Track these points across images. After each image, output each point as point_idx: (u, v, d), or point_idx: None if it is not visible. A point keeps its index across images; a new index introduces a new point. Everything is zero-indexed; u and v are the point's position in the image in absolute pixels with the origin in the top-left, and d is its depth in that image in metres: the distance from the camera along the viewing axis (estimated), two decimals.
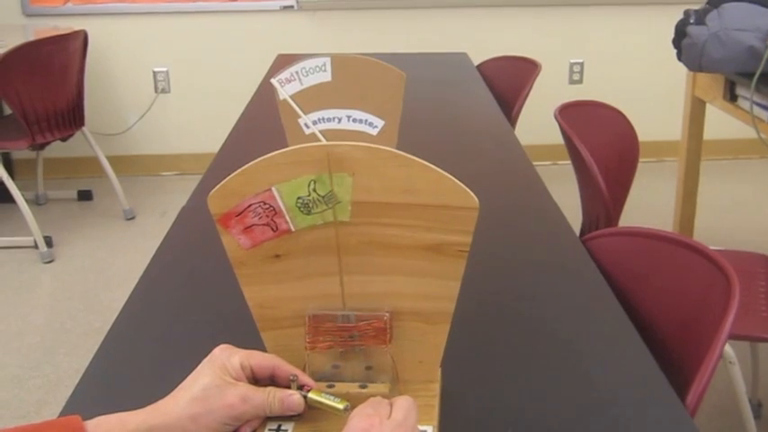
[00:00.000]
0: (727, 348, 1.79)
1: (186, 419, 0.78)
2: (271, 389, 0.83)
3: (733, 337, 1.08)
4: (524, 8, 4.36)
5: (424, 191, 0.81)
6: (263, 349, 0.91)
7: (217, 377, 0.81)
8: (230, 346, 0.85)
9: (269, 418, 0.85)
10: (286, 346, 0.91)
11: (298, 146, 0.81)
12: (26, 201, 3.52)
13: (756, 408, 2.33)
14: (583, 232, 2.06)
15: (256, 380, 0.85)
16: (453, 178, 0.81)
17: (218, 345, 0.86)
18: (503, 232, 1.47)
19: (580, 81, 4.54)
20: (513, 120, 2.68)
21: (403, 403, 0.78)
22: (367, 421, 0.75)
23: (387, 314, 0.87)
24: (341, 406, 0.82)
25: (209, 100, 4.43)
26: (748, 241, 3.48)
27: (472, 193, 0.81)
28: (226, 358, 0.83)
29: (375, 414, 0.76)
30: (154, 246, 1.43)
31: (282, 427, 0.84)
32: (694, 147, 2.96)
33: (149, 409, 0.79)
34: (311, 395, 0.84)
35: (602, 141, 2.03)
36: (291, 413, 0.83)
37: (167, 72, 4.41)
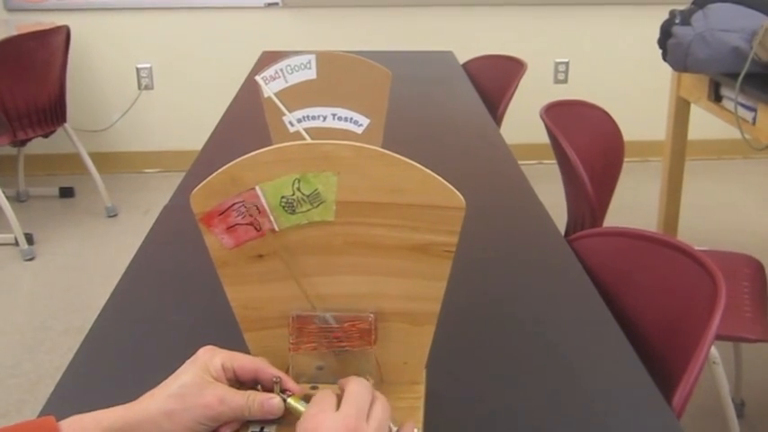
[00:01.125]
0: (711, 348, 1.79)
1: (161, 416, 0.77)
2: (251, 392, 0.82)
3: (717, 337, 1.08)
4: (510, 7, 4.36)
5: (410, 190, 0.80)
6: (247, 350, 0.90)
7: (197, 376, 0.80)
8: (214, 347, 0.84)
9: (250, 421, 0.84)
10: (270, 347, 0.90)
11: (282, 144, 0.80)
12: (7, 198, 3.48)
13: (739, 407, 2.34)
14: (568, 232, 2.06)
15: (240, 382, 0.84)
16: (440, 178, 0.80)
17: (199, 344, 0.85)
18: (488, 232, 1.47)
19: (565, 81, 4.54)
20: (498, 119, 2.68)
21: (351, 393, 0.76)
22: (312, 422, 0.74)
23: (371, 315, 0.86)
24: None
25: (193, 97, 4.40)
26: (731, 241, 3.50)
27: (459, 193, 0.80)
28: (208, 359, 0.82)
29: (320, 411, 0.75)
30: (136, 244, 1.42)
31: (265, 430, 0.83)
32: (678, 147, 2.97)
33: (126, 406, 0.78)
34: (290, 401, 0.83)
35: (587, 141, 2.03)
36: (271, 417, 0.82)
37: (151, 68, 4.38)
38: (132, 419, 0.76)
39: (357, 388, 0.77)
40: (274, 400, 0.82)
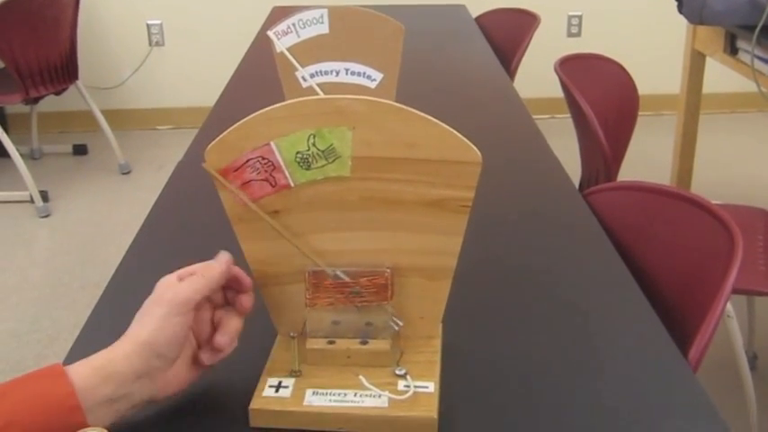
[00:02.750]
0: None
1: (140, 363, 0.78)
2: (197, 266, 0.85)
3: (731, 291, 1.08)
4: None
5: (425, 145, 0.80)
6: (263, 305, 0.90)
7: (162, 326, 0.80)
8: (171, 283, 0.84)
9: (268, 375, 0.85)
10: (286, 302, 0.90)
11: (297, 99, 0.80)
12: (21, 155, 3.50)
13: (752, 360, 2.35)
14: (582, 186, 2.05)
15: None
16: (456, 132, 0.79)
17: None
18: (502, 186, 1.46)
19: (578, 34, 4.49)
20: (511, 73, 2.65)
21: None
22: None
23: (388, 270, 0.87)
24: None
25: (205, 53, 4.38)
26: (746, 195, 3.48)
27: (475, 148, 0.79)
28: (171, 297, 0.82)
29: None
30: (150, 200, 1.42)
31: (283, 384, 0.84)
32: (693, 100, 2.94)
33: (109, 348, 0.79)
34: None
35: (601, 94, 2.01)
36: (227, 262, 0.84)
37: (161, 25, 4.36)
38: (114, 357, 0.77)
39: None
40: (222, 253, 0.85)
